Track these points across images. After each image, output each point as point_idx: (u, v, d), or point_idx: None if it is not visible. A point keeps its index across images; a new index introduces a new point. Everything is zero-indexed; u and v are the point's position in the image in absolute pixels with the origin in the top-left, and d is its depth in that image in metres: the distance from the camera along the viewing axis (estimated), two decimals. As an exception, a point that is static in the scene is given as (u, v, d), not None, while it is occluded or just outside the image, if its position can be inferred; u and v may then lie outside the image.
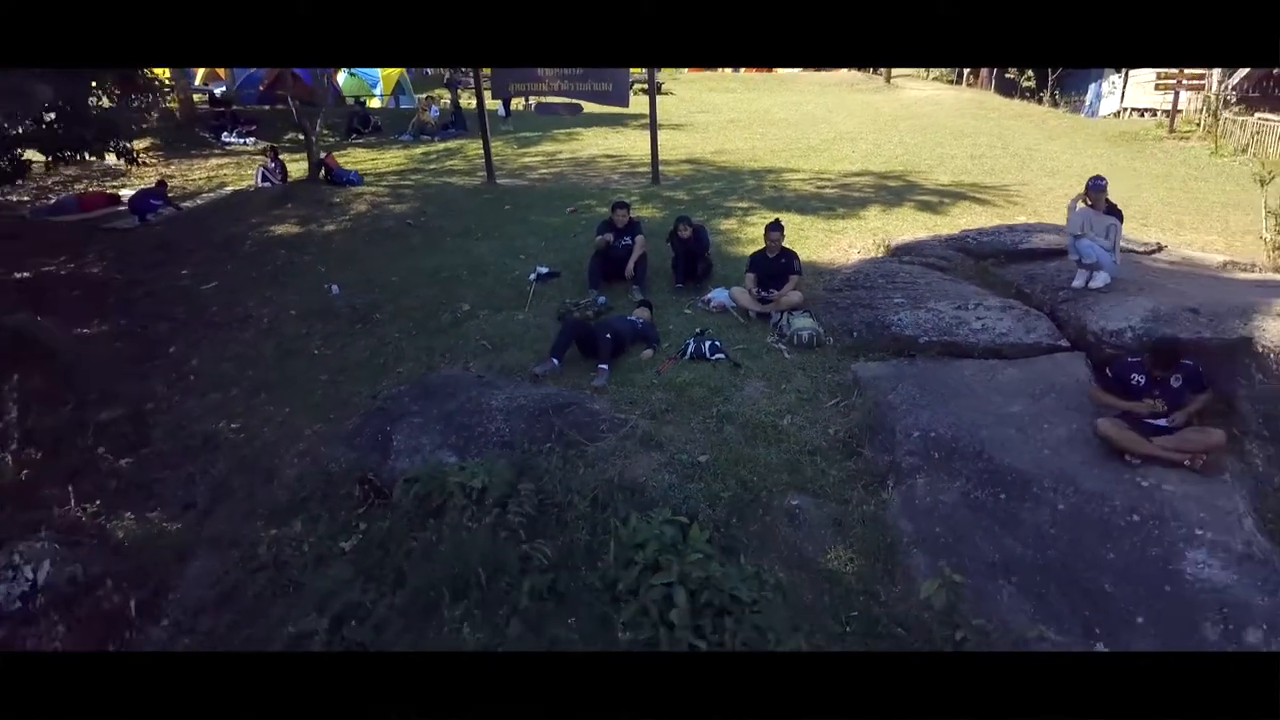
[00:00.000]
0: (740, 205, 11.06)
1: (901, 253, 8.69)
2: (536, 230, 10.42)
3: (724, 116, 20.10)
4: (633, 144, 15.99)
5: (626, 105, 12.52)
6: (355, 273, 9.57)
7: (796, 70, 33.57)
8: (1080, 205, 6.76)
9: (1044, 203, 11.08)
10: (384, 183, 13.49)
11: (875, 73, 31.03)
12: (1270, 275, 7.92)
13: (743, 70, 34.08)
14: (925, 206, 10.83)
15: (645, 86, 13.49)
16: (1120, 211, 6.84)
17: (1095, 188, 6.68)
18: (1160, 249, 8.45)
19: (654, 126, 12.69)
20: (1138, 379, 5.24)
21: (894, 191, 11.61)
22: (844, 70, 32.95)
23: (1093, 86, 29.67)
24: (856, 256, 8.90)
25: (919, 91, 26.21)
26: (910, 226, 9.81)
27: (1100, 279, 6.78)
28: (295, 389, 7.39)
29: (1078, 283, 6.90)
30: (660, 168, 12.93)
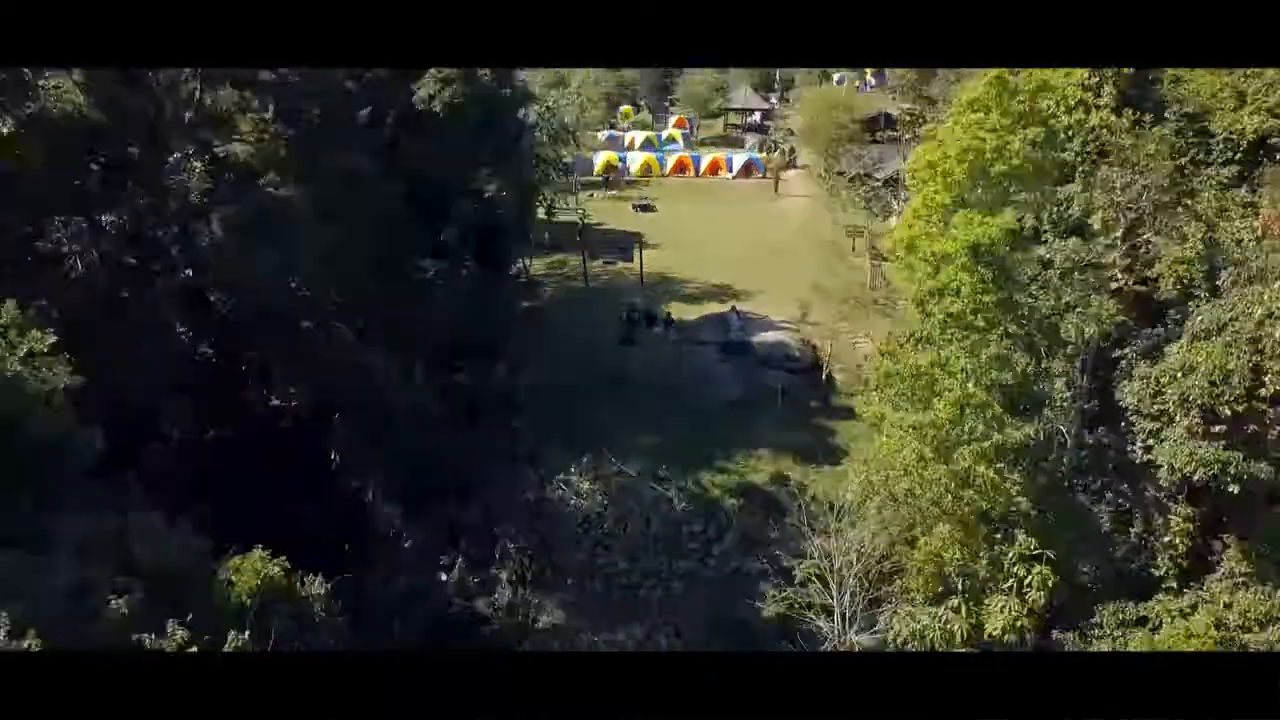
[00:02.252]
0: (668, 298, 36.37)
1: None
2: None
3: (671, 236, 44.63)
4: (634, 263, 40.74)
5: (631, 261, 37.79)
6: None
7: (725, 175, 57.14)
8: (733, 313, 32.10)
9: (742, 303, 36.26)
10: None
11: (767, 177, 55.10)
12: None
13: (689, 174, 57.17)
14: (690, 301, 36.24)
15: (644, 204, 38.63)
16: (741, 314, 32.15)
17: (733, 315, 31.95)
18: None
19: (641, 265, 37.66)
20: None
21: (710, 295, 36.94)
22: (753, 179, 56.65)
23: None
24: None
25: (788, 203, 50.70)
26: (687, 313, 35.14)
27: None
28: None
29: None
30: (644, 279, 38.04)
